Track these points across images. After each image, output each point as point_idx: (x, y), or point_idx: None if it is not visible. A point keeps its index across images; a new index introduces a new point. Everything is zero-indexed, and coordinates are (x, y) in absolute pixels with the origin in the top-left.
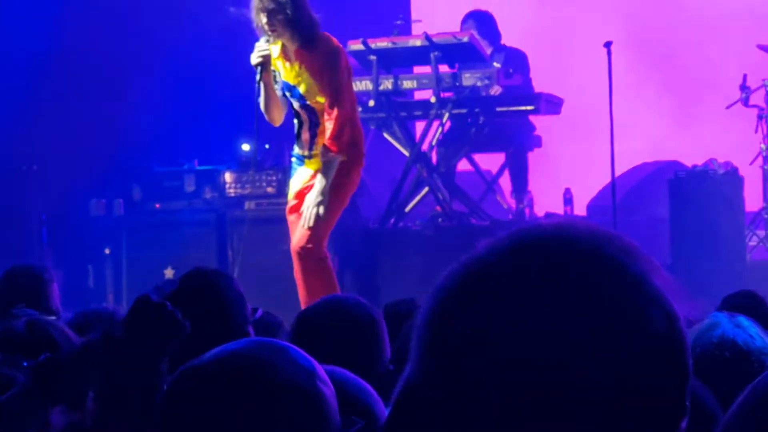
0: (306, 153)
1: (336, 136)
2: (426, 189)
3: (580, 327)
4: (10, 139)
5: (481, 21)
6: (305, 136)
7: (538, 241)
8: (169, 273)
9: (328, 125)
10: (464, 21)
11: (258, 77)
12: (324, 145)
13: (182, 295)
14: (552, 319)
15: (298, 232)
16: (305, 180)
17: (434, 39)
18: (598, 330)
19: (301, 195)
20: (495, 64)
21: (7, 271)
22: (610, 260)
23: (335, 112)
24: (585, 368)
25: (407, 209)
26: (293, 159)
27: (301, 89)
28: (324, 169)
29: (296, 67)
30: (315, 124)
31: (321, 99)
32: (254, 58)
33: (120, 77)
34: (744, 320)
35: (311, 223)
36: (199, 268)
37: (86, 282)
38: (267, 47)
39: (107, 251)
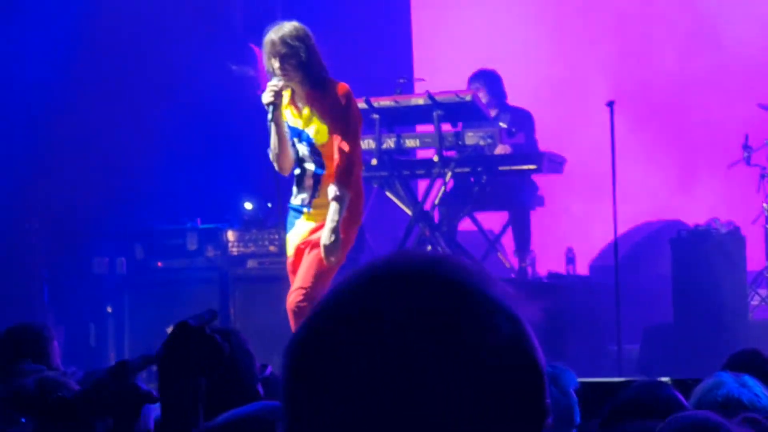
0: (307, 201)
1: (344, 169)
2: (428, 248)
3: (430, 344)
4: (12, 196)
5: (489, 80)
6: (308, 182)
7: (371, 274)
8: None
9: (337, 157)
10: (472, 80)
11: (270, 117)
12: (333, 182)
13: None
14: (399, 341)
15: (294, 288)
16: (304, 235)
17: (437, 98)
18: (447, 342)
19: (300, 251)
20: (501, 124)
21: (7, 330)
22: (447, 277)
23: (345, 147)
24: (438, 384)
25: None
26: (290, 212)
27: (311, 132)
28: (334, 208)
29: (307, 111)
30: (321, 168)
31: (330, 143)
32: (266, 97)
33: (122, 136)
34: (749, 379)
35: (329, 261)
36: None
37: (88, 340)
38: (279, 85)
39: (109, 309)
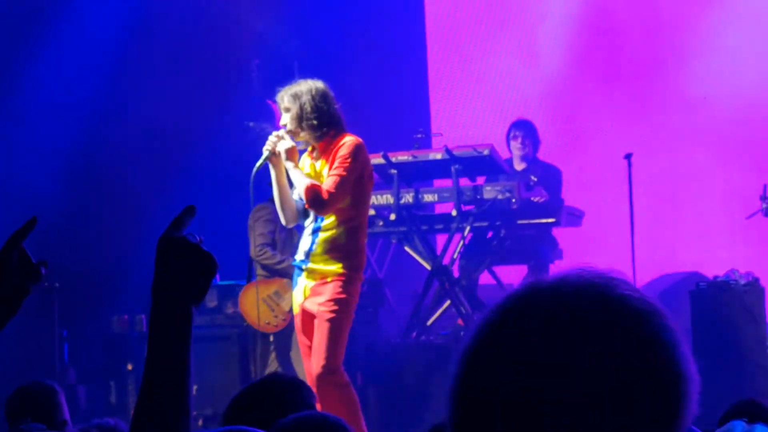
0: (303, 257)
1: (319, 195)
2: (448, 302)
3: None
4: (33, 256)
5: (529, 130)
6: (307, 231)
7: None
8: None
9: (322, 187)
10: (513, 127)
11: (258, 162)
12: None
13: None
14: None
15: (314, 360)
16: (306, 293)
17: (454, 152)
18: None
19: (305, 311)
20: (532, 177)
21: (19, 388)
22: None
23: (330, 187)
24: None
25: (429, 322)
26: (295, 270)
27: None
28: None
29: (320, 165)
30: (320, 221)
31: None
32: (265, 147)
33: (139, 194)
34: (761, 428)
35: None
36: (276, 373)
37: (108, 398)
38: (279, 134)
39: (129, 367)
